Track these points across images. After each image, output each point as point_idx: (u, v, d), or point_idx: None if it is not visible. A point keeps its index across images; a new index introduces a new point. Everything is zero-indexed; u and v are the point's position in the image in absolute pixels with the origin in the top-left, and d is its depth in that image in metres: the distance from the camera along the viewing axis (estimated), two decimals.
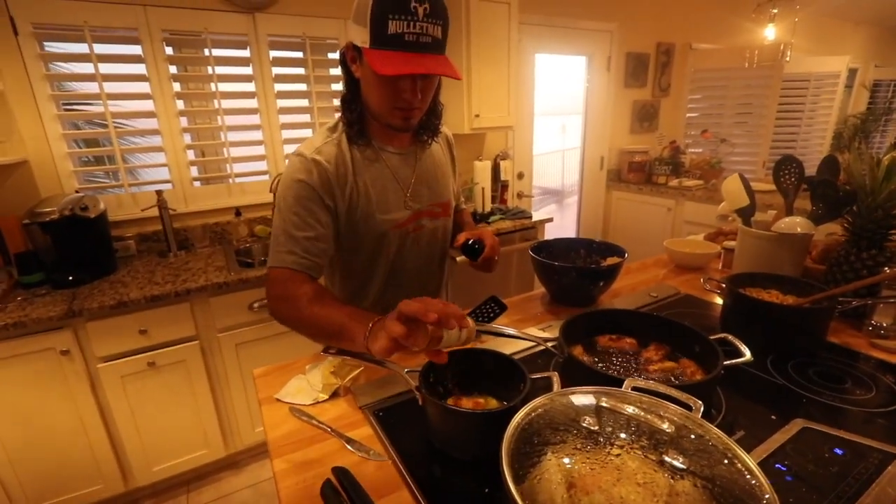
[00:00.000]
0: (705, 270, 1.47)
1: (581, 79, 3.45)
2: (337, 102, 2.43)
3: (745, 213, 1.24)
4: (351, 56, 0.90)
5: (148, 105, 1.97)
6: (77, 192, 1.85)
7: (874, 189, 1.02)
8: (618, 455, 0.43)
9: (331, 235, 0.95)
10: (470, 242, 1.07)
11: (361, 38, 0.82)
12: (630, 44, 3.47)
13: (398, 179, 1.02)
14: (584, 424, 0.47)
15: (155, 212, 1.97)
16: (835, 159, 1.17)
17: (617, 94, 3.54)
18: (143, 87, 1.95)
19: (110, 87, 1.90)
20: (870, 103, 5.45)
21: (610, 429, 0.46)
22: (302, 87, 2.28)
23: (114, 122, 1.91)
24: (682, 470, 0.40)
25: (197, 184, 2.16)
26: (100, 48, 1.84)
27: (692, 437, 0.44)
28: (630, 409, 0.45)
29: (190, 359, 1.69)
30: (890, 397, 0.80)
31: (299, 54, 2.23)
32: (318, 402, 0.80)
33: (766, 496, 0.38)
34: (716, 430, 0.46)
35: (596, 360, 0.87)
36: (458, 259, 2.29)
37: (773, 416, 0.74)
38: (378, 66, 0.78)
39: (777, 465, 0.64)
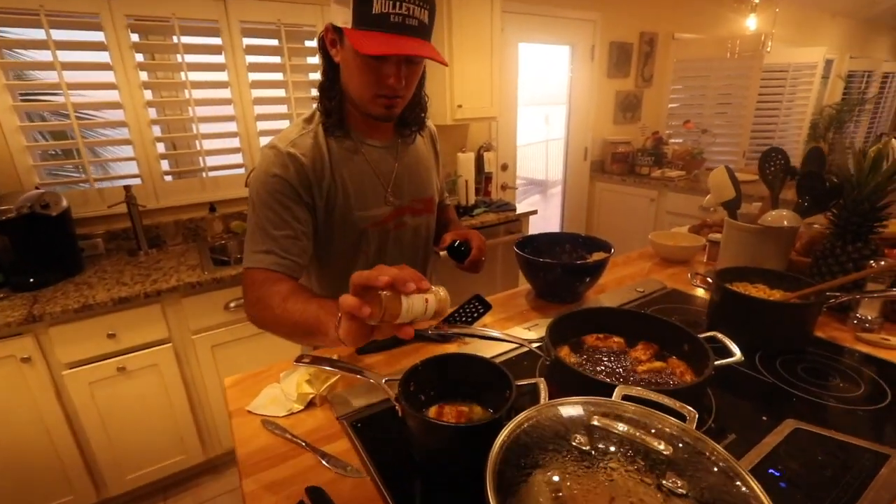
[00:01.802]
0: (690, 263, 1.46)
1: (565, 69, 3.42)
2: (315, 92, 2.35)
3: (732, 206, 1.23)
4: (331, 39, 0.85)
5: (113, 95, 1.87)
6: (37, 188, 1.75)
7: (860, 182, 1.00)
8: (611, 479, 0.40)
9: (310, 233, 0.90)
10: (456, 244, 1.03)
11: (343, 18, 0.77)
12: (613, 33, 3.44)
13: (379, 174, 0.97)
14: (575, 443, 0.43)
15: (123, 208, 1.88)
16: (820, 151, 1.16)
17: (600, 85, 3.52)
18: (108, 77, 1.84)
19: (72, 76, 1.79)
20: (844, 94, 5.55)
21: (602, 447, 0.43)
22: (278, 76, 2.19)
23: (76, 114, 1.81)
24: (681, 495, 0.37)
25: (168, 178, 2.07)
26: (59, 34, 1.73)
27: (690, 455, 0.41)
28: (622, 428, 0.42)
29: (163, 363, 1.62)
30: (877, 393, 0.79)
31: (274, 42, 2.14)
32: (292, 413, 0.76)
33: None
34: (715, 445, 0.43)
35: (583, 360, 0.84)
36: (441, 254, 2.25)
37: (764, 418, 0.72)
38: (361, 45, 0.74)
39: (770, 471, 0.62)
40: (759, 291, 1.00)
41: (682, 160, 3.60)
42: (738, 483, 0.39)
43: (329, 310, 0.66)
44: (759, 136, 4.19)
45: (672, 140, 3.88)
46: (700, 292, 1.22)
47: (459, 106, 2.39)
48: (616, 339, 0.89)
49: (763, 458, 0.64)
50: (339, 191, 0.92)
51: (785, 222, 1.08)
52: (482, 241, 1.06)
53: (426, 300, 0.57)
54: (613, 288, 1.26)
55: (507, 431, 0.48)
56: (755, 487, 0.38)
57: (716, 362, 0.71)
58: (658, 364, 0.81)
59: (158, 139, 2.00)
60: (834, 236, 1.08)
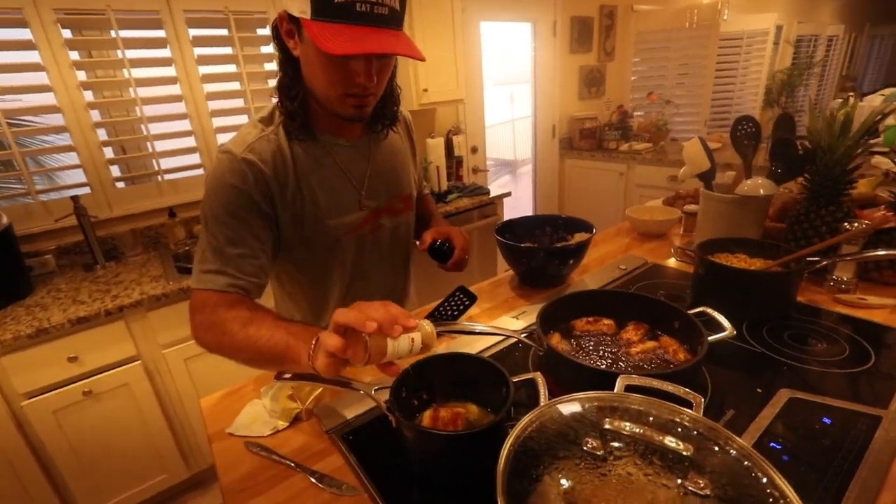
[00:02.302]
0: (668, 236, 1.47)
1: (528, 46, 3.37)
2: (273, 83, 2.23)
3: (707, 177, 1.22)
4: (287, 29, 0.73)
5: (49, 98, 1.71)
6: None
7: (831, 146, 1.01)
8: (629, 485, 0.37)
9: (270, 249, 0.81)
10: (437, 244, 0.97)
11: (300, 6, 0.66)
12: (574, 7, 3.41)
13: (350, 177, 0.89)
14: (587, 448, 0.41)
15: (73, 220, 1.74)
16: (790, 117, 1.16)
17: (564, 61, 3.50)
18: (42, 79, 1.69)
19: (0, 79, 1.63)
20: (794, 58, 5.71)
21: (616, 451, 0.41)
22: (231, 68, 2.07)
23: (10, 121, 1.65)
24: (704, 496, 0.35)
25: (120, 184, 1.93)
26: None
27: (706, 450, 0.39)
28: (632, 427, 0.40)
29: (133, 381, 1.53)
30: (861, 354, 0.80)
31: (224, 32, 2.00)
32: (277, 431, 0.71)
33: None
34: (730, 434, 0.41)
35: (575, 346, 0.82)
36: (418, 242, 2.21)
37: (758, 390, 0.72)
38: (323, 43, 0.64)
39: (772, 445, 0.62)
40: (740, 262, 1.01)
41: (648, 132, 3.64)
42: (758, 473, 0.38)
43: (299, 336, 0.61)
44: (718, 105, 4.27)
45: (636, 113, 3.91)
46: (681, 266, 1.22)
47: (425, 90, 2.32)
48: (606, 321, 0.88)
49: (763, 433, 0.63)
50: (306, 200, 0.83)
51: (761, 191, 1.08)
52: (465, 241, 1.00)
53: (412, 339, 0.54)
54: (596, 267, 1.25)
55: (511, 440, 0.45)
56: (776, 478, 0.36)
57: (709, 338, 0.71)
58: (651, 344, 0.80)
59: (105, 143, 1.86)
60: (808, 201, 1.09)
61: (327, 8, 0.64)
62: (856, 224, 0.95)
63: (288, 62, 0.78)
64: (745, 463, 0.38)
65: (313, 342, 0.57)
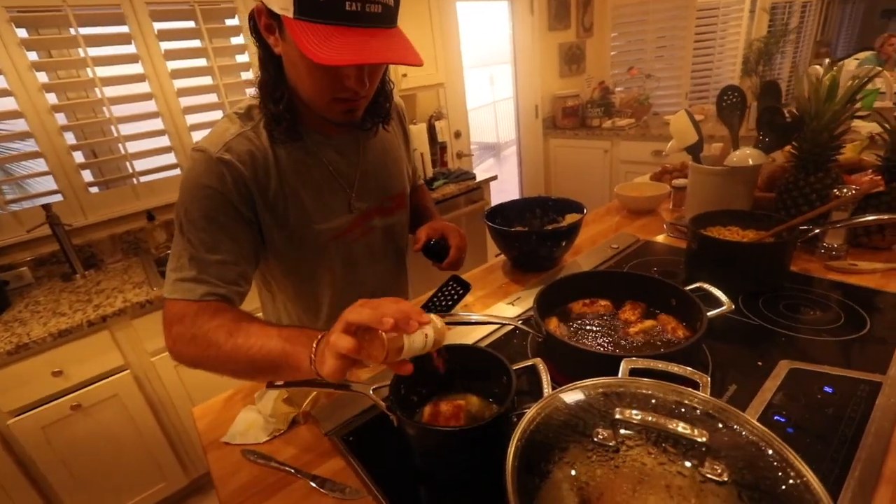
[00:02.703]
0: (657, 212, 1.46)
1: (506, 26, 3.31)
2: (247, 76, 2.16)
3: (695, 150, 1.21)
4: (266, 24, 0.65)
5: (10, 103, 1.63)
6: None
7: (819, 112, 1.00)
8: (642, 474, 0.36)
9: (251, 255, 0.75)
10: (432, 243, 0.92)
11: (281, 3, 0.59)
12: None
13: (339, 177, 0.83)
14: (598, 439, 0.39)
15: (47, 230, 1.68)
16: (775, 84, 1.15)
17: (543, 39, 3.44)
18: None
19: None
20: (770, 26, 5.73)
21: (628, 439, 0.39)
22: (202, 62, 1.98)
23: None
24: (722, 482, 0.34)
25: (94, 189, 1.86)
26: None
27: (720, 433, 0.38)
28: (643, 415, 0.38)
29: (123, 392, 1.49)
30: (858, 321, 0.81)
31: (191, 24, 1.92)
32: (274, 437, 0.69)
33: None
34: (742, 415, 0.40)
35: (573, 330, 0.81)
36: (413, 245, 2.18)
37: (759, 363, 0.72)
38: (309, 48, 0.57)
39: (776, 418, 0.61)
40: (733, 234, 1.00)
41: (631, 108, 3.62)
42: (773, 454, 0.37)
43: (297, 341, 0.57)
44: (698, 76, 4.26)
45: (618, 88, 3.88)
46: (673, 241, 1.22)
47: (404, 75, 2.26)
48: (603, 302, 0.87)
49: (767, 406, 0.63)
50: (290, 203, 0.77)
51: (750, 161, 1.07)
52: (462, 239, 0.93)
53: (426, 335, 0.51)
54: (588, 248, 1.24)
55: (518, 433, 0.43)
56: (793, 458, 0.35)
57: (708, 314, 0.70)
58: (649, 323, 0.79)
59: (74, 147, 1.78)
60: (796, 169, 1.09)
61: (312, 6, 0.57)
62: (845, 190, 0.95)
63: (269, 60, 0.71)
64: (761, 445, 0.36)
65: (314, 345, 0.54)
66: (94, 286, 1.63)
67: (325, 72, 0.65)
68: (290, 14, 0.58)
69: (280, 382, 0.60)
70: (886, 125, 0.99)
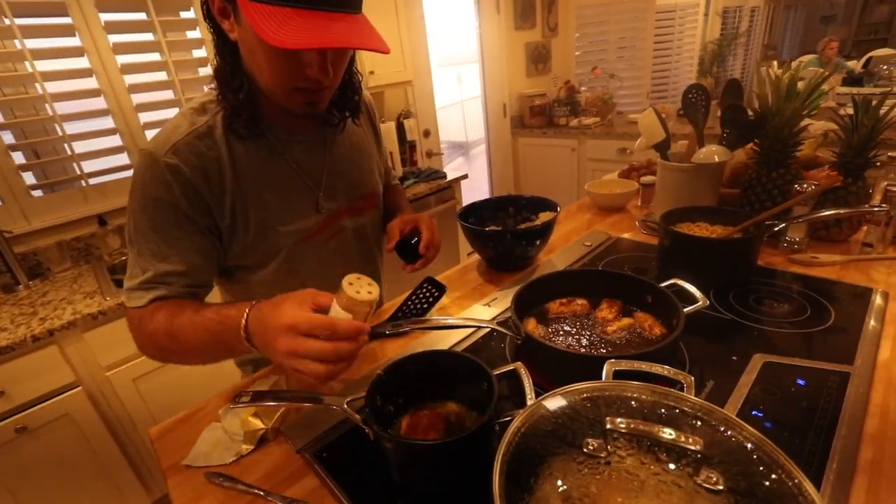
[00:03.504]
0: (627, 209, 1.48)
1: (472, 25, 3.31)
2: (205, 71, 2.05)
3: (662, 147, 1.23)
4: (220, 7, 0.61)
5: None
6: None
7: (779, 109, 1.03)
8: (640, 485, 0.35)
9: (207, 261, 0.72)
10: (407, 242, 0.87)
11: None
12: None
13: (304, 176, 0.78)
14: (587, 450, 0.38)
15: None
16: (737, 83, 1.18)
17: (509, 37, 3.46)
18: None
19: None
20: (722, 29, 5.98)
21: (619, 448, 0.38)
22: (155, 56, 1.88)
23: None
24: (717, 491, 0.33)
25: (37, 192, 1.73)
26: None
27: (712, 438, 0.37)
28: (633, 423, 0.37)
29: (75, 410, 1.39)
30: (822, 312, 0.83)
31: (142, 16, 1.81)
32: (242, 457, 0.64)
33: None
34: (731, 417, 0.39)
35: (551, 331, 0.80)
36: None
37: (733, 357, 0.73)
38: (266, 32, 0.53)
39: (754, 413, 0.62)
40: (702, 230, 1.02)
41: (596, 107, 3.69)
42: (765, 459, 0.36)
43: (230, 307, 0.62)
44: (658, 76, 4.39)
45: (583, 88, 3.95)
46: (644, 237, 1.23)
47: (372, 72, 2.22)
48: (579, 301, 0.86)
49: (744, 402, 0.64)
50: (250, 206, 0.73)
51: (716, 157, 1.09)
52: (433, 234, 0.86)
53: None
54: (561, 245, 1.24)
55: (504, 447, 0.41)
56: (785, 462, 0.34)
57: (684, 310, 0.70)
58: (626, 321, 0.79)
59: (13, 147, 1.65)
60: (758, 165, 1.12)
61: None
62: (806, 186, 0.98)
63: (224, 47, 0.66)
64: (752, 449, 0.36)
65: (246, 310, 0.59)
66: (39, 297, 1.51)
67: (284, 58, 0.61)
68: None
69: (247, 398, 0.56)
70: (841, 122, 1.03)
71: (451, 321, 0.82)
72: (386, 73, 2.29)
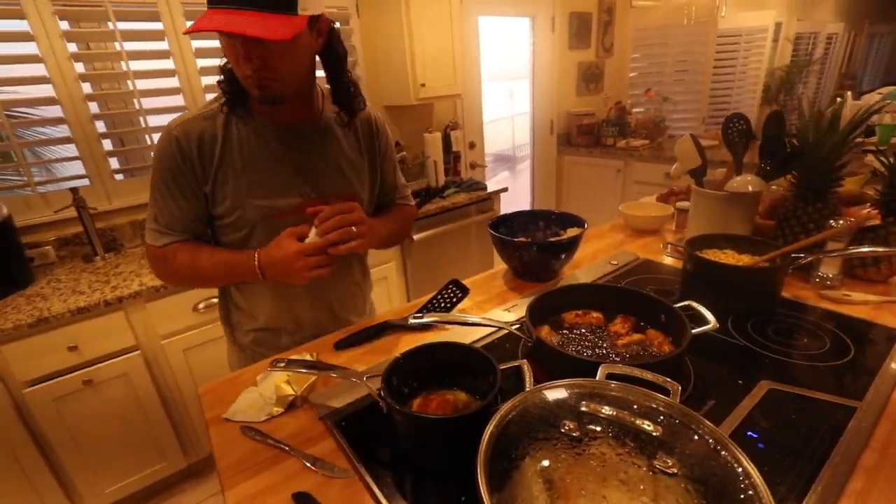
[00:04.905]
0: (660, 232, 1.49)
1: (526, 41, 3.38)
2: None
3: (698, 174, 1.24)
4: None
5: (48, 90, 1.72)
6: None
7: (819, 142, 1.03)
8: (603, 464, 0.40)
9: (197, 217, 0.90)
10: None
11: None
12: (573, 3, 3.41)
13: (286, 160, 0.89)
14: (564, 430, 0.43)
15: (73, 212, 1.76)
16: (780, 115, 1.18)
17: (562, 56, 3.50)
18: (40, 70, 1.69)
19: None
20: (793, 56, 5.72)
21: (592, 432, 0.43)
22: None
23: (6, 112, 1.66)
24: (672, 474, 0.37)
25: (119, 176, 1.94)
26: None
27: (678, 432, 0.41)
28: (610, 411, 0.42)
29: (132, 371, 1.55)
30: (841, 348, 0.83)
31: None
32: (272, 417, 0.73)
33: (760, 494, 0.35)
34: (700, 419, 0.43)
35: (564, 339, 0.84)
36: (415, 238, 2.22)
37: (739, 381, 0.75)
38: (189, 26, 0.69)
39: (749, 433, 0.64)
40: (728, 257, 1.03)
41: (646, 129, 3.65)
42: (727, 456, 0.40)
43: (239, 253, 0.88)
44: (716, 102, 4.28)
45: (635, 109, 3.92)
46: (671, 261, 1.24)
47: (423, 85, 2.33)
48: (595, 314, 0.90)
49: (741, 422, 0.66)
50: (229, 175, 0.86)
51: (750, 187, 1.10)
52: (339, 212, 0.83)
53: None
54: (588, 262, 1.27)
55: (495, 422, 0.47)
56: (742, 459, 0.38)
57: (692, 331, 0.73)
58: (637, 336, 0.82)
59: (104, 135, 1.87)
60: (795, 198, 1.11)
61: None
62: (841, 221, 0.97)
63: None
64: (714, 445, 0.40)
65: (255, 254, 0.85)
66: (112, 268, 1.70)
67: (226, 47, 0.76)
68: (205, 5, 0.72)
69: (283, 364, 0.64)
70: (883, 160, 1.01)
71: (471, 318, 0.88)
72: (436, 85, 2.40)
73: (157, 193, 0.87)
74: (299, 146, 0.90)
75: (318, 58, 0.87)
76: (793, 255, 0.95)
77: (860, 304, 0.98)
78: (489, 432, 0.46)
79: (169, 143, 0.83)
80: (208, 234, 0.94)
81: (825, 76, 6.39)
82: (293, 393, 0.75)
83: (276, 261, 0.82)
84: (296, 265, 0.80)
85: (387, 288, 2.21)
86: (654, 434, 0.37)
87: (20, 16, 1.61)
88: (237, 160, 0.86)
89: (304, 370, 0.66)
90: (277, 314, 1.01)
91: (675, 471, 0.37)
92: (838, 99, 1.13)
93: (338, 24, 0.86)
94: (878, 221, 0.99)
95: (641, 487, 0.38)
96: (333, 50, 0.86)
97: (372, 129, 1.02)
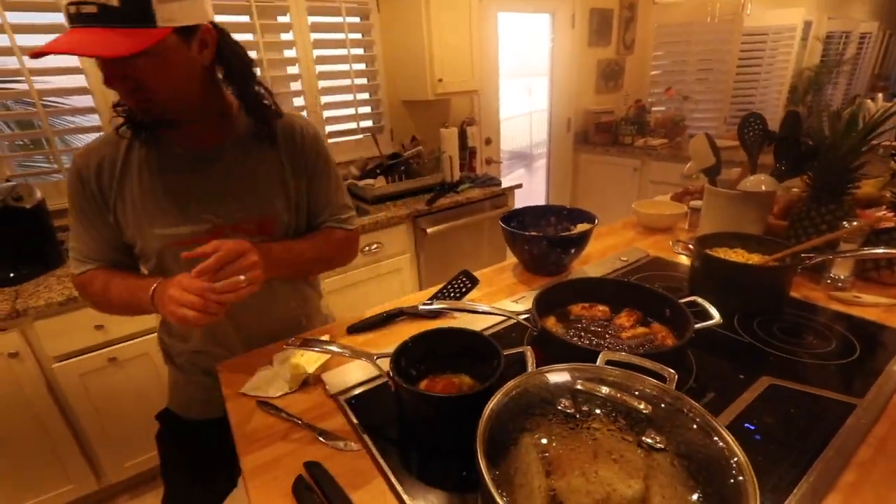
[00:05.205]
0: (673, 231, 1.49)
1: (545, 38, 3.37)
2: (291, 70, 2.29)
3: (712, 173, 1.24)
4: None
5: (79, 80, 1.80)
6: (8, 180, 1.70)
7: (835, 144, 1.03)
8: (594, 438, 0.42)
9: (111, 245, 0.87)
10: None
11: None
12: None
13: (189, 186, 0.83)
14: (560, 407, 0.45)
15: None
16: (797, 115, 1.17)
17: (582, 53, 3.48)
18: (72, 60, 1.77)
19: (36, 61, 1.71)
20: (823, 56, 5.56)
21: (586, 410, 0.45)
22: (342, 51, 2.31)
23: (42, 101, 1.74)
24: (659, 449, 0.40)
25: None
26: (15, 17, 1.65)
27: (669, 413, 0.44)
28: (605, 390, 0.44)
29: (153, 351, 1.62)
30: (847, 348, 0.83)
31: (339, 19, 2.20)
32: (287, 394, 0.77)
33: (743, 475, 0.37)
34: (692, 402, 0.45)
35: (569, 330, 0.86)
36: (429, 231, 2.25)
37: (741, 376, 0.76)
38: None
39: (746, 425, 0.65)
40: (737, 256, 1.03)
41: (665, 128, 3.61)
42: (713, 436, 0.42)
43: (139, 287, 0.80)
44: (739, 102, 4.20)
45: (654, 108, 3.88)
46: (681, 259, 1.25)
47: (440, 80, 2.35)
48: (601, 307, 0.91)
49: (739, 414, 0.67)
50: (128, 205, 0.82)
51: (763, 187, 1.10)
52: (224, 249, 0.73)
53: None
54: (598, 258, 1.29)
55: (496, 399, 0.50)
56: (728, 438, 0.40)
57: (696, 326, 0.74)
58: (641, 330, 0.84)
59: None
60: (809, 198, 1.11)
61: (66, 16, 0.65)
62: (854, 223, 0.97)
63: None
64: (701, 424, 0.42)
65: (151, 289, 0.76)
66: None
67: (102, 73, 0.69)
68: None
69: (298, 342, 0.68)
70: None
71: (480, 308, 0.91)
72: (453, 81, 2.42)
73: (72, 221, 0.85)
74: (205, 169, 0.84)
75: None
76: (802, 254, 0.95)
77: (871, 305, 0.97)
78: (489, 409, 0.48)
79: (71, 172, 0.81)
80: (130, 261, 0.89)
81: (857, 77, 6.19)
82: (307, 371, 0.79)
83: (162, 294, 0.74)
84: (167, 303, 0.71)
85: (400, 279, 2.25)
86: (645, 412, 0.39)
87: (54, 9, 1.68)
88: (135, 188, 0.81)
89: (318, 349, 0.70)
90: (206, 339, 0.95)
91: (663, 446, 0.40)
92: (857, 99, 1.12)
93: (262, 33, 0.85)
94: (892, 224, 0.98)
95: (631, 461, 0.40)
96: (228, 60, 0.78)
97: (296, 143, 0.91)
